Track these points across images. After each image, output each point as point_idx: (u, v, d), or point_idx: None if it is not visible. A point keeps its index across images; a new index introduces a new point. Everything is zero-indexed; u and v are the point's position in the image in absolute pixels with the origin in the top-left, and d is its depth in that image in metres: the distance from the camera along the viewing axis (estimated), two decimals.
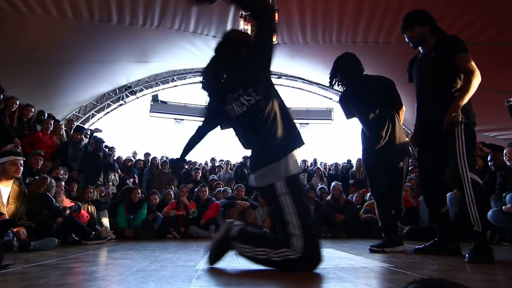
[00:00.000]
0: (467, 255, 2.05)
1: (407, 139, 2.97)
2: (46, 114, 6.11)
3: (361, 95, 2.90)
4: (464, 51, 2.27)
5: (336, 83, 3.00)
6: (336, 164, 8.44)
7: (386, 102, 2.88)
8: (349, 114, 3.09)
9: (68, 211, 3.75)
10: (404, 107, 2.97)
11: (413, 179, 5.45)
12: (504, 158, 3.63)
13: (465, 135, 2.19)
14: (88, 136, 6.50)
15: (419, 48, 2.51)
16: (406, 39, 2.51)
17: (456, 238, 2.48)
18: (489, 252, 2.05)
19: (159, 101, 10.26)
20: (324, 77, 9.62)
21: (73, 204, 4.18)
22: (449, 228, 2.46)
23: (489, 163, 4.07)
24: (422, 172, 2.54)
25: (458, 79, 2.30)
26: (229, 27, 6.92)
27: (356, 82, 2.92)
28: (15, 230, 2.92)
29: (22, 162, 3.20)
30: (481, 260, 2.00)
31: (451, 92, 2.29)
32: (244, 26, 6.06)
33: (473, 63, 2.25)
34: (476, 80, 2.22)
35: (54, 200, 3.63)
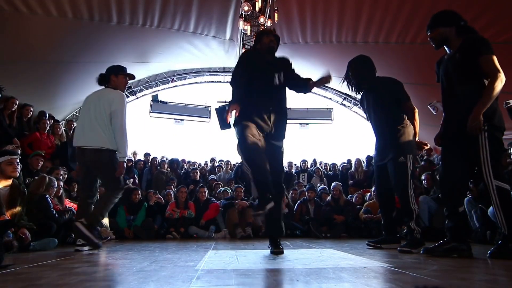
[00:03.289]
0: (489, 251, 2.19)
1: (415, 139, 2.97)
2: (47, 115, 6.11)
3: (373, 97, 3.03)
4: (487, 53, 2.24)
5: (350, 86, 3.12)
6: (334, 164, 8.44)
7: (396, 103, 2.95)
8: (367, 116, 3.21)
9: (66, 216, 3.75)
10: (416, 109, 2.99)
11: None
12: (511, 156, 3.65)
13: (489, 144, 2.20)
14: None
15: (446, 48, 2.48)
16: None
17: (468, 239, 2.42)
18: (509, 252, 2.13)
19: (159, 101, 10.25)
20: None
21: (73, 205, 4.18)
22: (463, 229, 2.41)
23: None
24: (446, 170, 2.47)
25: (483, 82, 2.27)
26: (229, 27, 6.93)
27: (369, 85, 3.05)
28: (19, 232, 2.91)
29: (18, 161, 3.17)
30: (502, 256, 2.12)
31: (475, 95, 2.25)
32: (244, 27, 6.07)
33: (497, 65, 2.22)
34: (498, 84, 2.19)
35: (51, 205, 3.61)
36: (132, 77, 3.45)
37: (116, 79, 3.30)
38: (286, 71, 2.78)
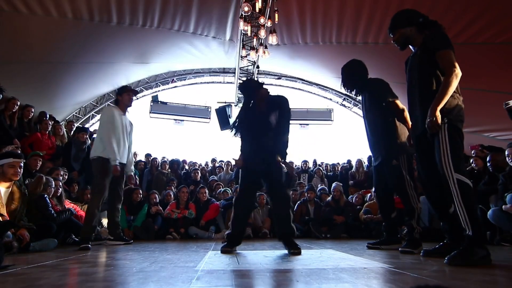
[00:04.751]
0: (447, 256, 1.97)
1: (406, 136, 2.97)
2: (47, 115, 6.11)
3: (364, 99, 3.11)
4: (444, 48, 2.19)
5: (347, 90, 3.22)
6: (334, 164, 8.44)
7: (385, 103, 2.97)
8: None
9: (65, 215, 3.75)
10: (404, 108, 2.97)
11: None
12: (507, 159, 3.64)
13: (448, 136, 2.11)
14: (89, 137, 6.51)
15: (411, 47, 2.47)
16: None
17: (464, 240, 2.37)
18: (472, 258, 1.92)
19: (159, 102, 10.26)
20: (324, 77, 9.66)
21: (73, 205, 4.18)
22: (460, 229, 2.25)
23: (488, 164, 4.10)
24: (424, 171, 2.41)
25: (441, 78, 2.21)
26: (229, 28, 6.93)
27: (360, 88, 3.12)
28: (18, 233, 2.90)
29: (22, 164, 3.13)
30: (458, 263, 1.90)
31: (435, 92, 2.18)
32: (244, 27, 6.07)
33: (452, 60, 2.15)
34: (453, 79, 2.12)
35: (50, 204, 3.61)
36: (135, 92, 4.10)
37: (121, 98, 3.86)
38: (278, 111, 2.95)
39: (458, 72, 2.14)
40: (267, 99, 2.96)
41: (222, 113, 9.62)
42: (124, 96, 3.84)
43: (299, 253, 2.54)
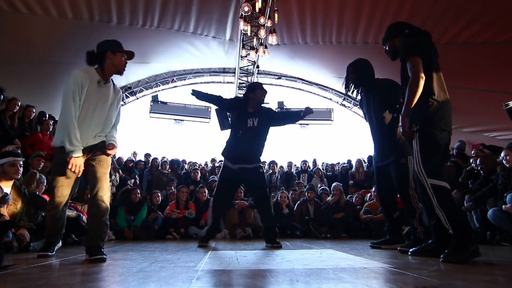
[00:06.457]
0: (442, 255, 2.05)
1: None
2: (47, 115, 6.10)
3: (373, 99, 3.10)
4: (408, 55, 2.26)
5: (350, 89, 3.22)
6: (333, 165, 8.44)
7: (395, 104, 2.98)
8: (365, 118, 3.27)
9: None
10: None
11: None
12: (503, 161, 3.66)
13: (419, 143, 2.20)
14: None
15: None
16: None
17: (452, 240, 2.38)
18: (464, 253, 2.00)
19: (159, 102, 10.26)
20: (324, 77, 9.66)
21: (73, 205, 4.18)
22: (444, 231, 2.28)
23: (478, 167, 4.14)
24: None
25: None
26: (229, 28, 6.93)
27: (368, 87, 3.13)
28: (18, 233, 2.91)
29: (21, 163, 3.17)
30: (452, 260, 1.99)
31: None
32: (244, 27, 6.07)
33: (414, 67, 2.20)
34: (413, 86, 2.18)
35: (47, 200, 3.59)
36: (130, 54, 2.68)
37: (111, 58, 2.56)
38: (269, 117, 3.42)
39: (419, 78, 2.18)
40: (260, 103, 3.37)
41: (222, 113, 9.61)
42: (117, 57, 2.57)
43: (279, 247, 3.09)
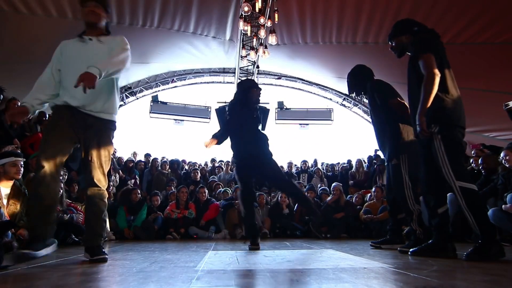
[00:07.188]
0: (465, 253, 2.10)
1: (411, 137, 2.97)
2: (47, 115, 6.10)
3: (368, 100, 3.18)
4: (422, 52, 2.24)
5: (353, 95, 3.41)
6: (333, 165, 8.44)
7: (382, 105, 2.99)
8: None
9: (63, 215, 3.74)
10: (406, 104, 2.99)
11: None
12: (503, 161, 3.65)
13: (444, 145, 2.16)
14: None
15: (409, 54, 2.54)
16: None
17: (453, 239, 2.37)
18: (488, 253, 2.05)
19: (159, 102, 10.27)
20: (324, 77, 9.65)
21: (73, 205, 4.18)
22: (446, 227, 2.37)
23: (480, 167, 4.13)
24: (423, 171, 2.49)
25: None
26: (229, 28, 6.93)
27: (363, 91, 3.23)
28: (18, 233, 2.90)
29: (22, 163, 3.18)
30: (476, 259, 2.04)
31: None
32: (244, 27, 6.07)
33: (428, 64, 2.18)
34: (428, 83, 2.15)
35: None
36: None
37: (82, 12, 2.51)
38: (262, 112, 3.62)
39: (434, 75, 2.16)
40: (257, 101, 3.37)
41: (222, 113, 9.62)
42: (83, 11, 2.49)
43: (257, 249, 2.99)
